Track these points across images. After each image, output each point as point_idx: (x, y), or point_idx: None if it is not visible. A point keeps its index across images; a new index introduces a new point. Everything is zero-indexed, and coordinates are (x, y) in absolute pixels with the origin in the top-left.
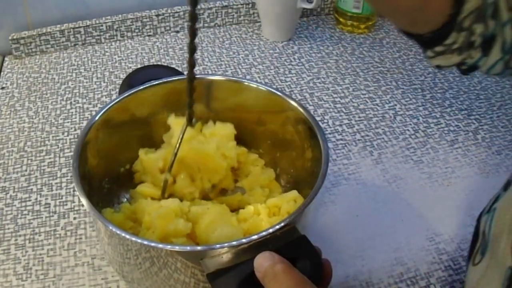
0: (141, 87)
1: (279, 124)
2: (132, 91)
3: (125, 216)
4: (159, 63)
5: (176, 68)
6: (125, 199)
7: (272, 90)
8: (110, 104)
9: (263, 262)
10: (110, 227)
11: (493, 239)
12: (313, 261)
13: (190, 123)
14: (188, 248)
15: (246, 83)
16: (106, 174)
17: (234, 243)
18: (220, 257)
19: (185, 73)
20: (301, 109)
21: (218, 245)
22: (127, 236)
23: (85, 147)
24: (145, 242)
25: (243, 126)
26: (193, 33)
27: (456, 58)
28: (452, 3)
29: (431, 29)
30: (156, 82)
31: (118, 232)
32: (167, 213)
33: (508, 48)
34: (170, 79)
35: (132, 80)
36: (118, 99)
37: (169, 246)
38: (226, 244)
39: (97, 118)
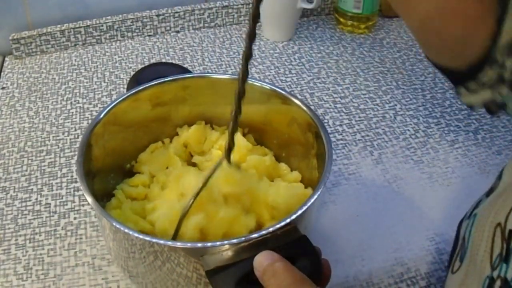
0: (149, 84)
1: (285, 124)
2: (140, 88)
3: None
4: None
5: None
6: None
7: (276, 88)
8: (118, 100)
9: (263, 261)
10: (115, 224)
11: (472, 246)
12: (312, 261)
13: (229, 156)
14: (189, 244)
15: (250, 82)
16: (112, 170)
17: (234, 241)
18: (220, 255)
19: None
20: (305, 108)
21: (218, 243)
22: (130, 232)
23: (91, 142)
24: (147, 238)
25: (249, 125)
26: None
27: (487, 94)
28: (491, 36)
29: (469, 63)
30: (164, 80)
31: (122, 228)
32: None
33: None
34: (178, 76)
35: (140, 77)
36: (125, 95)
37: (170, 242)
38: (226, 242)
39: (103, 114)
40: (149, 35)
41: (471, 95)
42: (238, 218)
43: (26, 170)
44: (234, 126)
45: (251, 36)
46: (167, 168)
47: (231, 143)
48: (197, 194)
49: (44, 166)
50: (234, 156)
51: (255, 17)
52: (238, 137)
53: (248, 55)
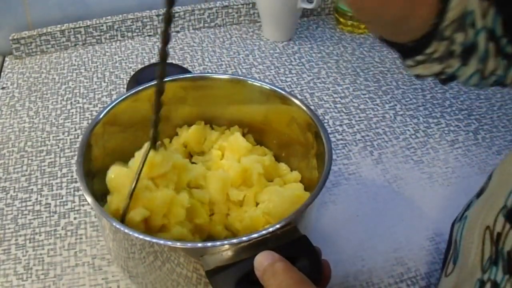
0: (149, 84)
1: (285, 124)
2: (140, 88)
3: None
4: None
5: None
6: None
7: (276, 88)
8: (117, 100)
9: (263, 261)
10: (115, 224)
11: (464, 249)
12: (312, 261)
13: (154, 146)
14: (189, 244)
15: (249, 82)
16: None
17: (234, 241)
18: (220, 255)
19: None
20: (305, 108)
21: (218, 243)
22: (130, 233)
23: (91, 143)
24: (147, 238)
25: (249, 125)
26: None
27: (436, 67)
28: (436, 12)
29: (413, 38)
30: (164, 80)
31: (122, 228)
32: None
33: (483, 57)
34: (178, 76)
35: (140, 77)
36: (125, 95)
37: (170, 243)
38: (226, 242)
39: (103, 114)
40: (149, 35)
41: (419, 67)
42: (172, 198)
43: (26, 170)
44: (156, 119)
45: (166, 39)
46: None
47: (155, 133)
48: (133, 190)
49: (44, 166)
50: (234, 156)
51: (168, 20)
52: (238, 137)
53: (163, 56)
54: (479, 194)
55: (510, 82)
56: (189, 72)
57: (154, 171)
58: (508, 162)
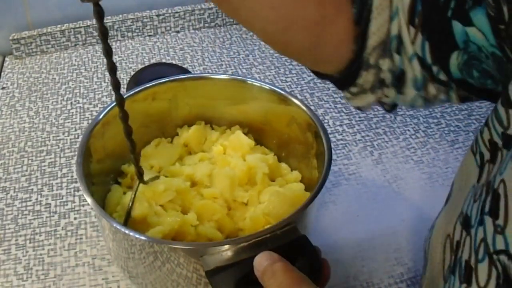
0: (149, 84)
1: (285, 124)
2: (140, 88)
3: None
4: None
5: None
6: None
7: (276, 88)
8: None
9: (263, 261)
10: (114, 224)
11: (431, 259)
12: (312, 261)
13: (141, 179)
14: (189, 245)
15: (249, 82)
16: (111, 171)
17: (234, 241)
18: (220, 255)
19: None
20: (305, 108)
21: (218, 243)
22: (130, 233)
23: (91, 143)
24: (147, 239)
25: (249, 125)
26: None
27: (371, 98)
28: (353, 38)
29: (337, 68)
30: (164, 80)
31: (121, 229)
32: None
33: (419, 84)
34: (178, 76)
35: (140, 77)
36: (125, 96)
37: (170, 243)
38: (226, 242)
39: (103, 114)
40: (149, 35)
41: (356, 99)
42: (182, 221)
43: (26, 170)
44: (133, 150)
45: (108, 52)
46: (176, 162)
47: (140, 169)
48: (126, 218)
49: (44, 166)
50: (237, 154)
51: (104, 34)
52: (240, 135)
53: (112, 68)
54: (446, 202)
55: (457, 103)
56: (189, 72)
57: (160, 199)
58: (464, 168)
